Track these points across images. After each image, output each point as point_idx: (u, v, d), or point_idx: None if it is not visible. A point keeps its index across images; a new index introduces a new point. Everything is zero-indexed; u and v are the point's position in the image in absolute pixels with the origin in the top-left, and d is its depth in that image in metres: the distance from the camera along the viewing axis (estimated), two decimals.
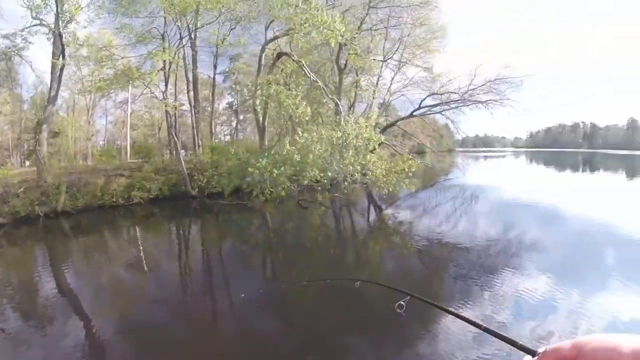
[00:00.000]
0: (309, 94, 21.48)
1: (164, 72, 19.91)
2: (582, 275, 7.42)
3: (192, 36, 21.52)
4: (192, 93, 24.20)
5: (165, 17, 18.57)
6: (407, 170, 15.75)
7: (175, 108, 20.08)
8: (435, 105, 26.16)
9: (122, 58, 17.99)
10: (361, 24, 23.33)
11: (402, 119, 28.25)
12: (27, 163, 27.44)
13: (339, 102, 18.33)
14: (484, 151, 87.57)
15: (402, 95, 29.27)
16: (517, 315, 5.61)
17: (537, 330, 5.10)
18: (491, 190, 20.87)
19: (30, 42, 16.89)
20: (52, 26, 15.38)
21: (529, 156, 68.99)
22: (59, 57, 15.45)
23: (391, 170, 15.74)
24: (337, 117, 17.01)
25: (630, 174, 31.95)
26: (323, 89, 18.23)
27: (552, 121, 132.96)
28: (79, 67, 23.25)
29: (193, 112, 23.96)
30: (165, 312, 6.26)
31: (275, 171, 14.29)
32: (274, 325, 5.74)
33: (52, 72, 15.99)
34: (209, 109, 30.39)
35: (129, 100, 32.12)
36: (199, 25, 20.35)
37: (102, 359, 4.78)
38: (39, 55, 20.69)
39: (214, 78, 29.58)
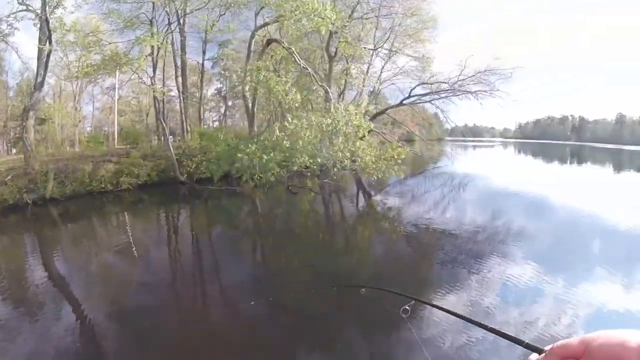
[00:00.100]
0: (299, 81, 21.38)
1: (152, 58, 19.65)
2: (566, 262, 7.69)
3: (181, 22, 21.24)
4: (180, 79, 23.95)
5: (153, 2, 18.21)
6: (396, 157, 15.87)
7: (164, 94, 19.87)
8: (425, 95, 26.30)
9: (110, 44, 17.67)
10: (352, 12, 23.22)
11: (392, 107, 28.37)
12: (14, 151, 26.99)
13: (328, 90, 18.28)
14: (472, 141, 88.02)
15: (392, 83, 29.32)
16: (504, 302, 5.77)
17: (523, 316, 5.29)
18: (479, 179, 21.19)
19: (16, 28, 16.47)
20: (39, 12, 15.02)
21: (517, 147, 69.77)
22: (46, 42, 15.15)
23: (380, 157, 15.85)
24: (327, 104, 16.98)
25: (617, 168, 32.61)
26: (313, 76, 18.15)
27: (542, 113, 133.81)
28: (66, 53, 22.82)
29: (181, 98, 23.76)
30: (155, 297, 6.32)
31: (265, 157, 14.30)
32: (263, 310, 5.80)
33: (38, 58, 15.69)
34: (198, 95, 30.10)
35: (116, 86, 31.64)
36: (187, 10, 20.02)
37: (92, 345, 4.80)
38: (25, 41, 20.25)
39: (202, 64, 29.32)
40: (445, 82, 24.99)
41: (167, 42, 19.26)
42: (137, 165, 17.13)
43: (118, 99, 33.00)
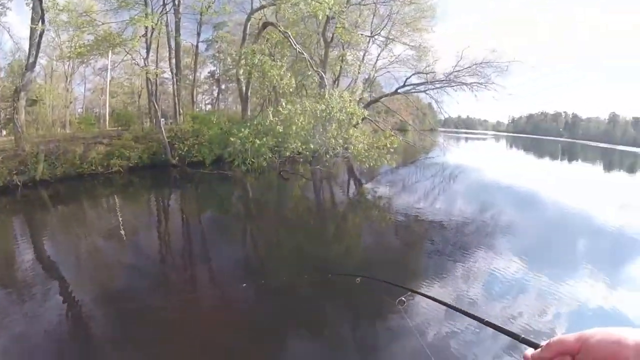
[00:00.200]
0: (294, 66, 21.21)
1: (146, 39, 19.28)
2: (553, 255, 7.85)
3: (176, 2, 20.80)
4: (174, 60, 23.56)
5: None
6: (388, 146, 15.90)
7: (157, 75, 19.57)
8: (420, 84, 26.20)
9: (103, 24, 17.29)
10: None
11: (387, 95, 28.28)
12: (4, 132, 26.48)
13: (323, 75, 18.18)
14: (465, 132, 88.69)
15: (388, 72, 29.17)
16: (489, 292, 5.85)
17: (508, 308, 5.36)
18: (471, 172, 21.34)
19: (7, 8, 16.10)
20: None
21: (509, 141, 70.21)
22: (39, 22, 14.76)
23: (373, 145, 15.86)
24: (322, 90, 16.88)
25: (607, 167, 33.03)
26: (308, 61, 18.00)
27: (536, 108, 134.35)
28: (58, 33, 22.33)
29: (174, 80, 23.40)
30: (144, 281, 6.33)
31: (257, 141, 14.23)
32: (253, 295, 5.82)
33: (30, 38, 15.26)
34: (191, 77, 29.70)
35: (109, 67, 31.08)
36: None
37: (81, 328, 4.78)
38: (17, 21, 19.86)
39: (196, 46, 28.84)
40: (441, 73, 24.94)
41: (161, 23, 18.88)
42: (129, 147, 16.92)
43: (110, 80, 32.45)
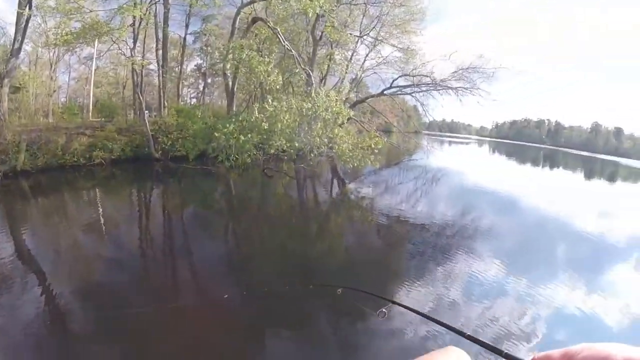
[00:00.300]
0: (282, 63, 21.12)
1: (134, 29, 18.94)
2: (531, 260, 8.08)
3: None
4: (160, 52, 23.18)
5: None
6: (373, 147, 16.00)
7: (143, 66, 19.25)
8: (407, 87, 26.33)
9: (91, 11, 16.92)
10: None
11: (373, 96, 28.40)
12: None
13: (311, 73, 18.13)
14: (449, 136, 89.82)
15: (375, 72, 29.19)
16: (470, 299, 5.93)
17: (489, 316, 5.43)
18: (453, 175, 21.67)
19: None
20: None
21: (492, 146, 71.45)
22: (26, 7, 14.43)
23: (357, 145, 15.93)
24: (308, 88, 16.87)
25: (588, 175, 33.92)
26: (296, 58, 17.97)
27: (521, 114, 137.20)
28: (45, 19, 21.72)
29: (161, 71, 23.04)
30: (124, 275, 6.28)
31: (242, 137, 14.16)
32: (234, 290, 5.82)
33: (17, 23, 14.90)
34: (177, 69, 29.28)
35: (94, 56, 30.38)
36: None
37: (59, 322, 4.72)
38: (2, 7, 19.21)
39: (184, 38, 28.44)
40: (427, 76, 25.10)
41: (150, 13, 18.57)
42: (112, 139, 16.60)
43: (95, 70, 31.75)
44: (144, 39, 23.29)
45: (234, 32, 19.43)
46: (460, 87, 24.27)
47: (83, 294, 5.35)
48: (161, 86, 23.17)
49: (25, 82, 26.48)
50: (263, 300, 5.45)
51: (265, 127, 14.34)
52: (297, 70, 19.25)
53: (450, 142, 65.77)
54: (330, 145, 15.61)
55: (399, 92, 27.18)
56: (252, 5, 20.11)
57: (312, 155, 15.53)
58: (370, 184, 17.40)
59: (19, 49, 15.29)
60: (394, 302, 2.32)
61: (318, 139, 15.11)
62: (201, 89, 37.21)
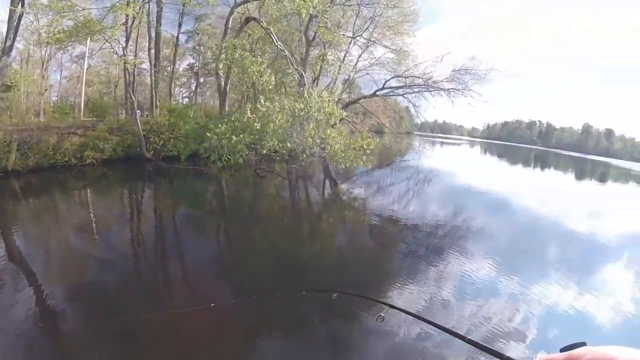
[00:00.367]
0: (274, 63, 21.13)
1: (126, 28, 18.81)
2: (522, 260, 8.20)
3: None
4: (153, 51, 23.05)
5: None
6: (365, 147, 16.07)
7: (135, 65, 19.13)
8: (399, 88, 26.44)
9: (84, 9, 16.78)
10: None
11: (365, 97, 28.50)
12: None
13: (303, 74, 18.13)
14: (441, 137, 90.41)
15: (367, 73, 29.24)
16: (467, 300, 5.98)
17: (479, 312, 5.53)
18: (445, 176, 21.82)
19: None
20: None
21: (484, 147, 72.03)
22: (18, 4, 14.24)
23: (349, 146, 15.98)
24: (301, 88, 16.88)
25: (579, 176, 34.32)
26: (289, 58, 17.97)
27: (512, 115, 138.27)
28: (37, 17, 21.50)
29: (153, 71, 22.90)
30: (116, 276, 6.23)
31: (234, 138, 14.13)
32: (226, 290, 5.85)
33: (9, 21, 14.63)
34: (169, 69, 29.13)
35: (86, 54, 30.11)
36: None
37: (50, 323, 4.67)
38: None
39: (177, 37, 28.31)
40: (419, 77, 25.22)
41: (143, 11, 18.47)
42: (103, 139, 16.45)
43: (87, 68, 31.47)
44: (137, 37, 23.14)
45: (227, 32, 19.39)
46: (452, 89, 24.43)
47: (73, 295, 5.33)
48: (153, 85, 23.03)
49: (17, 80, 26.15)
50: (256, 306, 5.25)
51: (258, 128, 14.34)
52: (289, 71, 19.24)
53: (442, 143, 66.23)
54: (323, 145, 15.65)
55: (391, 93, 27.30)
56: (245, 5, 20.10)
57: (304, 155, 15.55)
58: (362, 185, 17.48)
59: (11, 47, 15.10)
60: (391, 306, 2.30)
61: (310, 140, 15.13)
62: (193, 88, 36.96)
